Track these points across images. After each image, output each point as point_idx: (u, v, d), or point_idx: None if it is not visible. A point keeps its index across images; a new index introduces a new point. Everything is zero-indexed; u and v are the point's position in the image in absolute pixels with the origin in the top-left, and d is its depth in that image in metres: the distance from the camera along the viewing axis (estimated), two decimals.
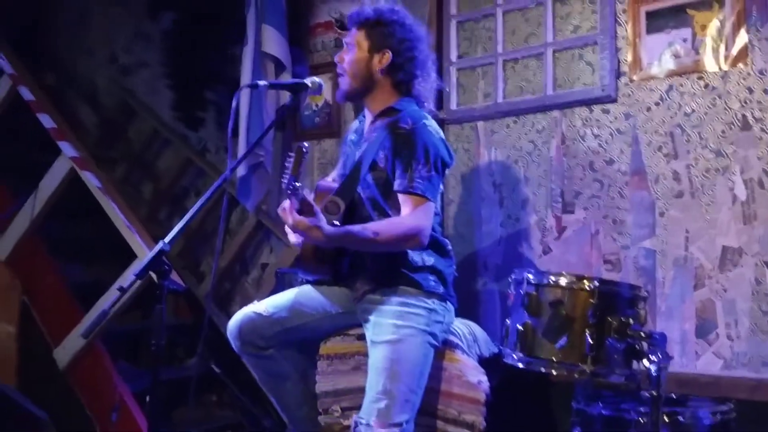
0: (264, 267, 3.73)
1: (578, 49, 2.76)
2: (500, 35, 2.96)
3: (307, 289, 2.33)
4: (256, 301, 2.35)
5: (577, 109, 2.75)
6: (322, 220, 1.94)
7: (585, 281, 1.88)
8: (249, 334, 2.24)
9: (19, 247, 3.34)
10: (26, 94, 3.42)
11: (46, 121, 3.32)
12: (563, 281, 1.91)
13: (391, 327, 2.06)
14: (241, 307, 3.68)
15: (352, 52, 2.22)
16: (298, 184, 1.87)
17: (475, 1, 3.05)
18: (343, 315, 2.26)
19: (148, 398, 2.02)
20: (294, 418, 2.34)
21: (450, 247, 2.29)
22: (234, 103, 2.12)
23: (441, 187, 2.23)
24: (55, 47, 4.70)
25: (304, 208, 1.92)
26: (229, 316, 3.62)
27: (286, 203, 1.98)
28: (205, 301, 3.68)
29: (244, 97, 3.22)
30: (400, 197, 2.10)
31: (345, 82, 2.25)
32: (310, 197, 1.96)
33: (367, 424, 1.97)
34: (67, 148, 3.22)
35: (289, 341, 2.27)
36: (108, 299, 2.90)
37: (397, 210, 2.11)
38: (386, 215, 2.15)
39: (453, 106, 3.07)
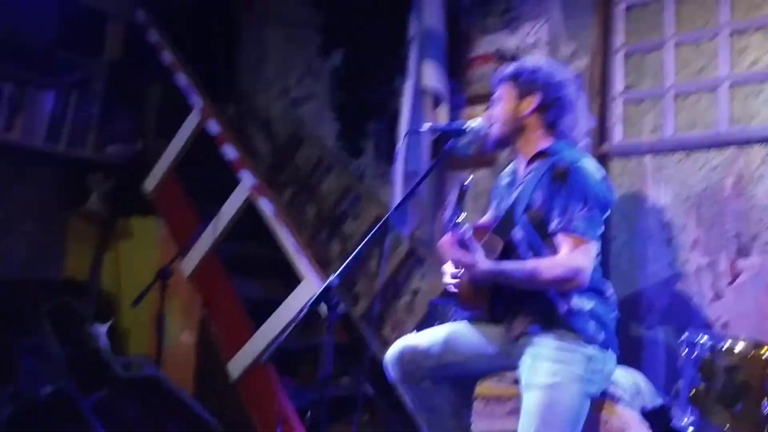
0: (415, 293, 3.81)
1: (757, 84, 2.58)
2: (671, 67, 2.84)
3: (463, 325, 2.33)
4: (414, 332, 2.41)
5: (756, 146, 2.57)
6: (481, 255, 1.99)
7: (763, 348, 1.77)
8: (407, 365, 2.29)
9: (201, 265, 3.68)
10: (213, 127, 3.78)
11: (230, 151, 3.64)
12: (739, 347, 1.82)
13: (546, 371, 2.03)
14: (392, 329, 3.85)
15: (500, 102, 2.25)
16: (459, 220, 1.93)
17: (642, 32, 2.95)
18: (499, 356, 2.25)
19: (309, 414, 2.14)
20: None
21: (611, 291, 2.22)
22: (398, 146, 2.21)
23: (602, 227, 2.18)
24: (237, 82, 5.16)
25: (465, 243, 1.98)
26: (381, 338, 3.79)
27: (446, 238, 2.05)
28: (362, 323, 3.82)
29: (405, 138, 3.34)
30: (559, 237, 2.05)
31: (495, 129, 2.25)
32: (470, 233, 2.01)
33: None
34: (247, 177, 3.51)
35: (443, 376, 2.29)
36: (277, 324, 3.13)
37: (554, 252, 2.08)
38: (542, 257, 2.13)
39: (617, 139, 2.98)
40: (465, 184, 1.98)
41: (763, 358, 1.77)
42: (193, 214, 3.87)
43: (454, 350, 2.27)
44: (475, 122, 2.21)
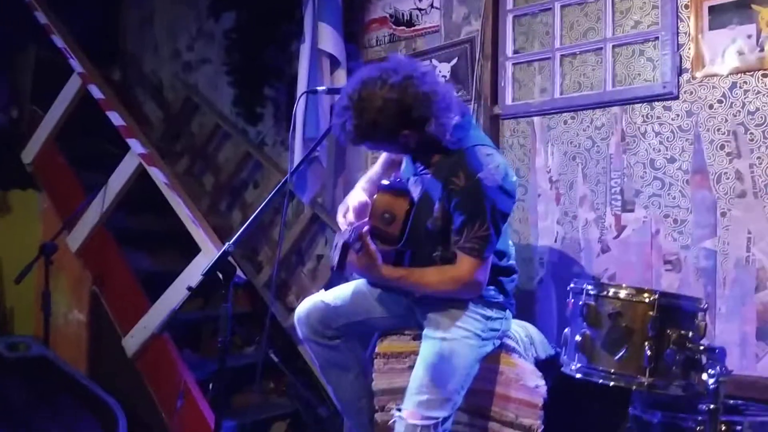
0: (319, 258, 3.81)
1: (639, 45, 2.71)
2: (558, 30, 2.93)
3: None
4: (322, 290, 2.40)
5: (638, 105, 2.71)
6: (378, 260, 2.07)
7: (645, 294, 1.88)
8: (316, 323, 2.30)
9: (90, 239, 3.51)
10: (96, 92, 3.56)
11: (116, 118, 3.45)
12: (622, 293, 1.91)
13: (447, 325, 2.09)
14: (297, 296, 3.83)
15: (392, 150, 2.22)
16: (357, 246, 2.02)
17: None
18: (404, 315, 2.29)
19: (211, 386, 2.11)
20: (349, 409, 2.39)
21: (514, 264, 2.29)
22: (294, 109, 2.16)
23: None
24: (122, 44, 4.88)
25: (361, 247, 2.04)
26: (286, 306, 3.77)
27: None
28: (265, 291, 3.78)
29: (301, 98, 3.29)
30: (458, 254, 2.04)
31: (415, 158, 2.20)
32: (367, 235, 2.05)
33: (402, 416, 2.00)
34: (136, 145, 3.35)
35: (353, 333, 2.32)
36: (175, 296, 3.03)
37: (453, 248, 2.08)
38: (448, 257, 2.10)
39: (509, 101, 3.05)
40: (347, 239, 2.00)
41: (645, 302, 1.87)
42: (77, 186, 3.68)
43: (364, 307, 2.31)
44: None
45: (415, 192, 2.17)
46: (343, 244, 2.02)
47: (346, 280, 2.60)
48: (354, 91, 1.97)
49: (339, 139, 2.07)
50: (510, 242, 2.30)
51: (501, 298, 2.18)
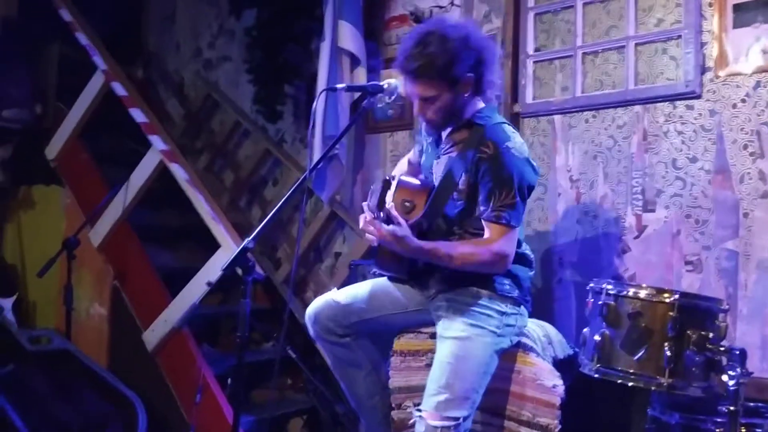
0: (337, 256, 3.82)
1: (661, 43, 2.68)
2: (579, 27, 2.90)
3: (384, 283, 2.37)
4: (334, 289, 2.42)
5: (660, 104, 2.68)
6: (409, 232, 2.03)
7: (665, 294, 1.86)
8: (326, 321, 2.31)
9: (112, 234, 3.55)
10: (119, 89, 3.60)
11: (138, 115, 3.49)
12: (643, 293, 1.89)
13: (461, 324, 2.09)
14: (315, 293, 3.84)
15: (437, 102, 2.12)
16: (381, 215, 2.00)
17: None
18: (418, 312, 2.30)
19: (229, 381, 2.12)
20: (363, 406, 2.40)
21: (531, 255, 2.28)
22: (314, 106, 2.17)
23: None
24: (145, 43, 4.93)
25: (392, 221, 2.03)
26: (304, 303, 3.78)
27: (370, 218, 2.07)
28: (284, 288, 3.80)
29: (321, 95, 3.30)
30: (485, 223, 2.09)
31: (436, 123, 2.21)
32: (394, 211, 2.05)
33: (422, 416, 2.00)
34: (157, 142, 3.38)
35: (364, 332, 2.33)
36: (195, 291, 3.06)
37: (481, 229, 2.12)
38: (470, 233, 2.15)
39: (529, 99, 3.04)
40: (389, 179, 1.99)
41: (666, 303, 1.85)
42: (100, 182, 3.73)
43: (375, 305, 2.32)
44: (392, 81, 2.19)
45: (438, 172, 2.21)
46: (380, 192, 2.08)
47: (364, 278, 2.60)
48: (430, 30, 2.08)
49: (404, 69, 2.11)
50: (523, 233, 2.29)
51: (516, 293, 2.17)
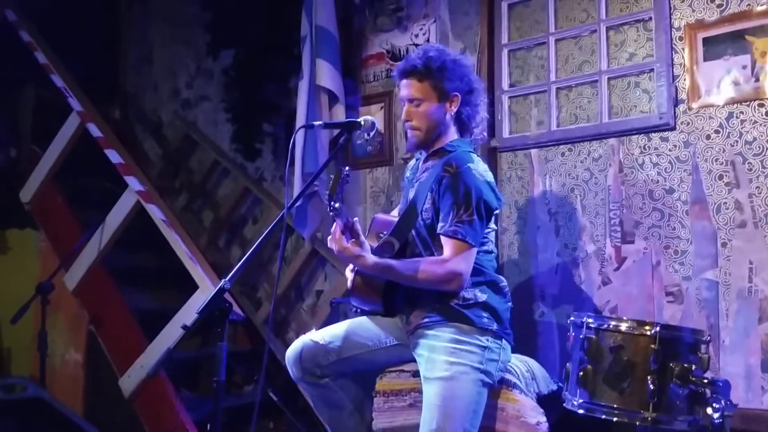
0: (319, 294, 3.78)
1: (634, 77, 2.73)
2: (553, 63, 2.94)
3: (362, 319, 2.35)
4: (313, 329, 2.40)
5: (635, 137, 2.71)
6: (367, 250, 2.05)
7: (646, 326, 1.85)
8: (306, 362, 2.28)
9: (87, 278, 3.48)
10: (94, 130, 3.58)
11: (114, 156, 3.46)
12: (623, 326, 1.88)
13: (444, 364, 2.06)
14: (296, 333, 3.79)
15: (423, 105, 2.20)
16: (337, 205, 1.99)
17: (526, 30, 3.05)
18: (398, 347, 2.27)
19: (209, 427, 2.07)
20: None
21: (504, 284, 2.27)
22: (291, 144, 2.17)
23: (492, 226, 2.25)
24: (122, 83, 4.93)
25: (351, 235, 2.04)
26: (285, 343, 3.72)
27: (336, 229, 2.07)
28: (265, 328, 3.74)
29: (299, 132, 3.30)
30: (442, 239, 2.12)
31: (418, 136, 2.24)
32: (357, 224, 2.07)
33: None
34: (133, 182, 3.35)
35: (344, 371, 2.29)
36: (172, 334, 3.00)
37: (442, 250, 2.13)
38: (433, 255, 2.17)
39: (506, 134, 3.06)
40: (340, 169, 2.00)
41: (647, 335, 1.84)
42: (75, 225, 3.69)
43: (354, 344, 2.29)
44: (368, 118, 2.22)
45: (412, 192, 2.28)
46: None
47: (346, 316, 2.57)
48: (435, 46, 2.26)
49: (401, 70, 2.23)
50: (495, 262, 2.30)
51: (495, 326, 2.15)
